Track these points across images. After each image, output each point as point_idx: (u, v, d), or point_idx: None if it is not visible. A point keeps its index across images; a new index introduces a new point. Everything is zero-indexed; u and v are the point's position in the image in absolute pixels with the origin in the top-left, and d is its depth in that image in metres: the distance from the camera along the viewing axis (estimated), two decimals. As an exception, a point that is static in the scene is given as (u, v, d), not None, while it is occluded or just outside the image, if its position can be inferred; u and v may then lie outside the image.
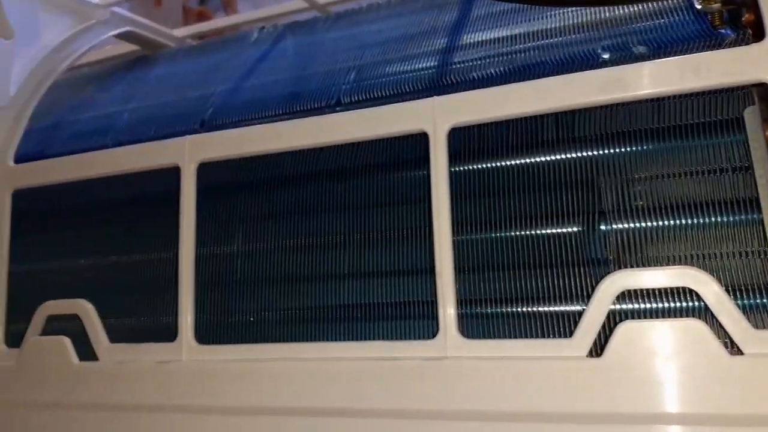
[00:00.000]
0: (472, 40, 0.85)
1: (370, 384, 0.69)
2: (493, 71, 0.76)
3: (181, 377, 0.79)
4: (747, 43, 0.64)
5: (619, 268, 0.66)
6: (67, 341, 0.86)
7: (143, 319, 0.89)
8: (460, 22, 0.91)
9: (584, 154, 0.70)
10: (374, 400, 0.69)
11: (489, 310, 0.69)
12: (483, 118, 0.71)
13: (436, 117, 0.73)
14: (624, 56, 0.70)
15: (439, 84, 0.79)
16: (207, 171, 0.87)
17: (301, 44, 1.07)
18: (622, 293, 0.65)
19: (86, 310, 0.88)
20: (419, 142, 0.75)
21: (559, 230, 0.69)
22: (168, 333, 0.86)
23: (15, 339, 0.97)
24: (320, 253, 0.81)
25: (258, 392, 0.75)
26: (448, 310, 0.69)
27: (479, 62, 0.80)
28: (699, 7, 0.69)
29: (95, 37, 1.19)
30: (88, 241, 0.94)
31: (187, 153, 0.87)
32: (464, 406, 0.65)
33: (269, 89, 0.97)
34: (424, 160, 0.74)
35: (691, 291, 0.63)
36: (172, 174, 0.91)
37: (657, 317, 0.64)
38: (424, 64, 0.84)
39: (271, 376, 0.75)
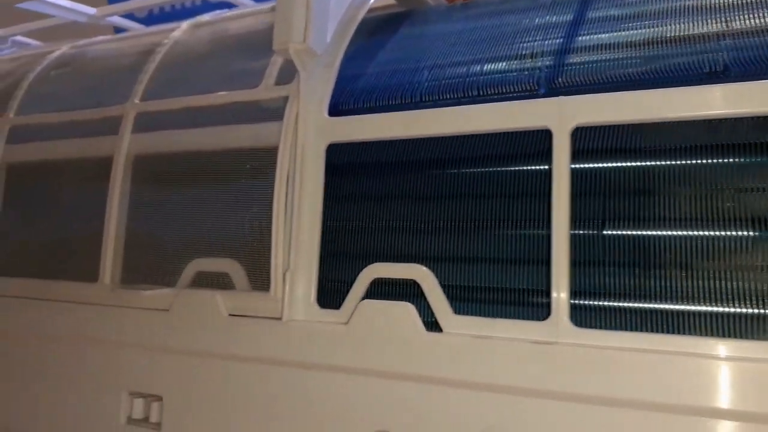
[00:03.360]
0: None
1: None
2: None
3: (559, 361, 0.72)
4: None
5: None
6: (412, 308, 0.81)
7: (482, 291, 0.82)
8: None
9: None
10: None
11: None
12: None
13: None
14: None
15: None
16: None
17: (630, 5, 0.98)
18: None
19: (426, 276, 0.82)
20: None
21: None
22: (507, 307, 0.80)
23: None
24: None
25: (656, 386, 0.67)
26: None
27: None
28: None
29: (381, -12, 1.14)
30: (416, 203, 0.88)
31: (562, 115, 0.78)
32: None
33: (615, 51, 0.88)
34: None
35: None
36: (509, 138, 0.85)
37: None
38: None
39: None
